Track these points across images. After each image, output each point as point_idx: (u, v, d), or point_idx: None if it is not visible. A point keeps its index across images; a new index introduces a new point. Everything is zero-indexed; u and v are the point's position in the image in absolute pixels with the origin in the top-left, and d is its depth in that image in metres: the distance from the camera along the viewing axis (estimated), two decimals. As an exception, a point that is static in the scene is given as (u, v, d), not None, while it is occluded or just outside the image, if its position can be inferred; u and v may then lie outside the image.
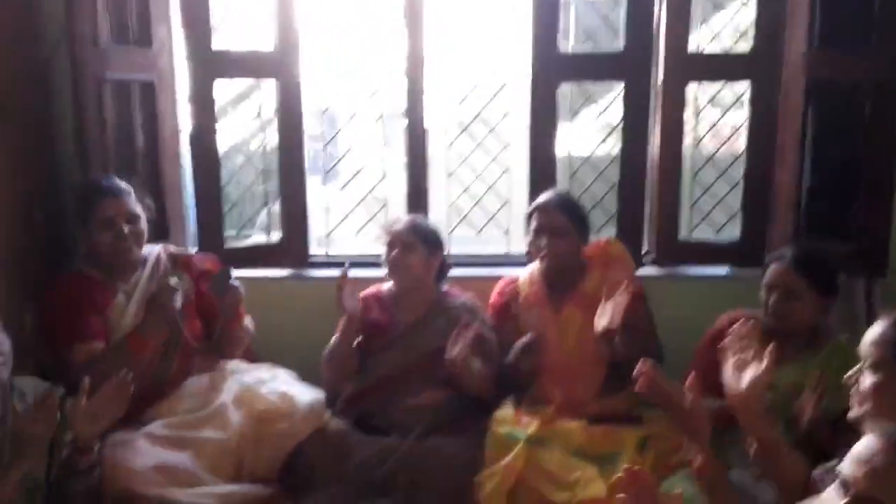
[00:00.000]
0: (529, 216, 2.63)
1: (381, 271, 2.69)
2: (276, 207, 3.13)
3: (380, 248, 2.70)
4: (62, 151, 2.73)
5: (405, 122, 3.00)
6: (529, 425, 2.39)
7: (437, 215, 3.16)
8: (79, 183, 2.58)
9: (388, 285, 2.72)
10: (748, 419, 1.73)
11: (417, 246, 2.62)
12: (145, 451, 2.17)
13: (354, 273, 2.94)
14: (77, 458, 1.94)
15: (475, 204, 3.22)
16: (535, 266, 2.69)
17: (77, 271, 2.44)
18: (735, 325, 1.91)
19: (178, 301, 2.30)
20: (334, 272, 3.03)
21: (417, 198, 3.09)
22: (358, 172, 3.20)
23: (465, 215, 3.22)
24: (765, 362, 1.74)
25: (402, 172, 3.06)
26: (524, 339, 2.48)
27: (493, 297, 2.73)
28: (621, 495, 1.54)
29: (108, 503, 2.07)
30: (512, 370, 2.54)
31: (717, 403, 2.06)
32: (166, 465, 2.17)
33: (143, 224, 2.43)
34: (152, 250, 2.51)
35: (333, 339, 2.60)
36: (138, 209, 2.41)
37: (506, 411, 2.49)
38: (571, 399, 2.52)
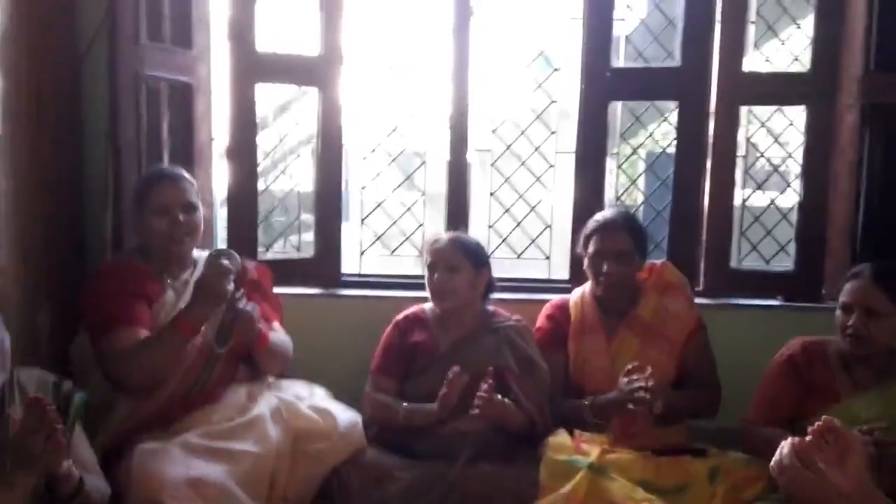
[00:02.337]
0: (588, 237, 2.49)
1: (421, 293, 2.53)
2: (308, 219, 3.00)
3: (419, 270, 2.54)
4: (91, 150, 2.61)
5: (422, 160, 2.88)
6: (590, 453, 2.22)
7: (476, 235, 3.04)
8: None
9: (429, 305, 2.56)
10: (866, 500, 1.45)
11: (463, 265, 2.46)
12: (179, 462, 1.97)
13: (387, 294, 2.83)
14: (56, 485, 1.70)
15: (516, 226, 3.08)
16: (585, 289, 2.56)
17: (124, 260, 2.30)
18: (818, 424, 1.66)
19: (230, 285, 2.09)
20: (367, 292, 2.93)
21: (457, 218, 2.97)
22: (376, 207, 3.06)
23: (506, 238, 3.08)
24: (858, 447, 1.52)
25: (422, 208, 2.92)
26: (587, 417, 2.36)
27: (541, 321, 2.59)
28: None
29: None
30: (572, 414, 2.40)
31: None
32: (199, 479, 1.97)
33: (200, 217, 2.28)
34: (203, 254, 2.34)
35: (403, 408, 2.37)
36: (196, 200, 2.28)
37: (561, 438, 2.31)
38: (626, 428, 2.37)
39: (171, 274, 2.26)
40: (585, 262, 2.50)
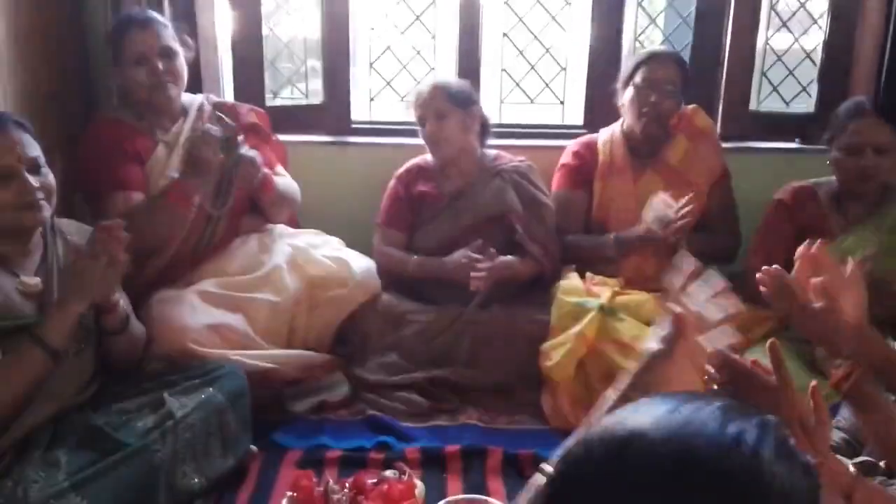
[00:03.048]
0: (636, 67, 2.40)
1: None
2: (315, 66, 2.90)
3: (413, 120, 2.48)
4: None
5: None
6: (600, 294, 2.26)
7: (488, 79, 2.95)
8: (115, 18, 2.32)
9: (429, 156, 2.52)
10: (860, 343, 1.37)
11: (450, 110, 2.40)
12: (197, 309, 2.03)
13: (398, 140, 2.78)
14: (102, 320, 1.77)
15: (531, 69, 2.97)
16: (614, 129, 2.51)
17: (112, 117, 2.22)
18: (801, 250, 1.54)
19: (218, 154, 2.03)
20: (377, 139, 2.88)
21: (468, 61, 2.86)
22: (385, 51, 2.93)
23: (519, 82, 2.98)
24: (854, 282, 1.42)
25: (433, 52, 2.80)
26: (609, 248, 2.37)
27: (567, 157, 2.56)
28: None
29: (156, 358, 1.95)
30: (588, 252, 2.43)
31: None
32: (219, 324, 2.04)
33: (181, 62, 2.17)
34: (194, 99, 2.28)
35: (413, 260, 2.41)
36: (175, 44, 2.15)
37: (573, 281, 2.36)
38: (642, 271, 2.40)
39: (160, 126, 2.19)
40: (628, 93, 2.42)
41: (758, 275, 1.50)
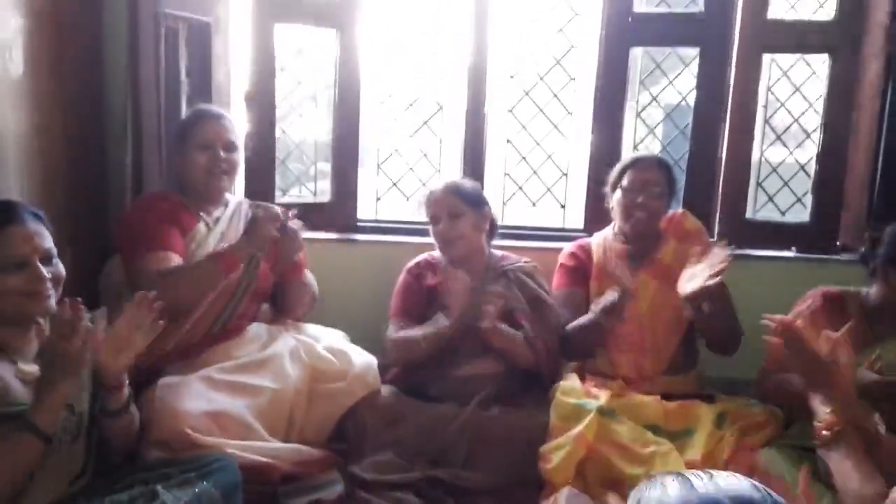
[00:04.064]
0: (623, 171, 2.49)
1: (431, 240, 2.54)
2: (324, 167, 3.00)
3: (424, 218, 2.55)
4: (111, 90, 2.59)
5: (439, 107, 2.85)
6: (599, 396, 2.26)
7: (491, 183, 3.04)
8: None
9: (438, 252, 2.57)
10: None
11: (464, 210, 2.46)
12: (199, 395, 2.03)
13: (403, 239, 2.85)
14: (106, 397, 1.76)
15: (533, 173, 3.08)
16: (606, 232, 2.57)
17: (161, 192, 2.38)
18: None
19: (276, 231, 2.18)
20: (383, 237, 2.95)
21: (473, 165, 2.96)
22: (392, 154, 3.06)
23: (521, 186, 3.08)
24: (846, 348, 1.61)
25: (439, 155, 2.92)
26: (611, 295, 2.32)
27: (564, 258, 2.60)
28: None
29: (152, 445, 1.93)
30: (584, 331, 2.39)
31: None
32: (220, 412, 2.03)
33: (239, 157, 2.35)
34: (234, 197, 2.44)
35: (419, 334, 2.38)
36: (237, 140, 2.34)
37: (572, 382, 2.36)
38: (640, 372, 2.41)
39: (204, 210, 2.31)
40: (616, 196, 2.50)
41: (769, 322, 1.68)
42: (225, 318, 2.26)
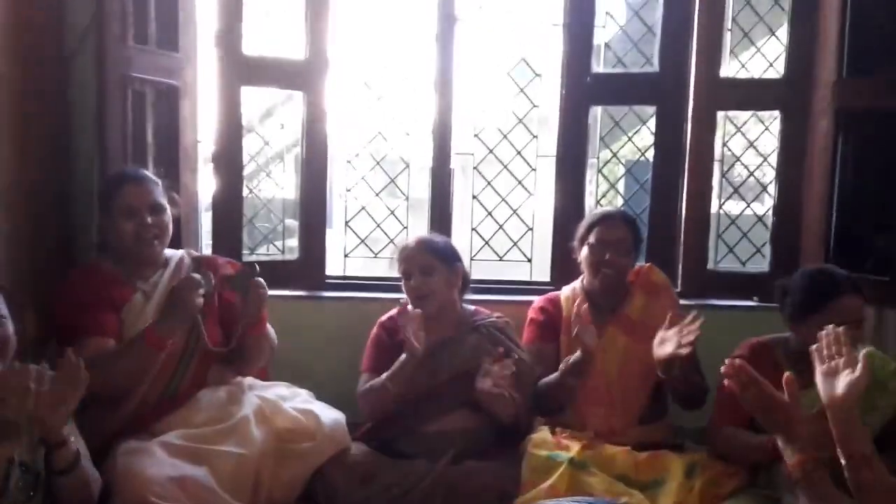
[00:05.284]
0: (590, 228, 2.53)
1: (401, 296, 2.55)
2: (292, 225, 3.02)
3: (396, 274, 2.56)
4: (77, 153, 2.60)
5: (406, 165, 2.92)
6: (570, 448, 2.26)
7: (459, 239, 3.08)
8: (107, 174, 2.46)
9: (409, 306, 2.59)
10: (846, 427, 1.59)
11: (436, 266, 2.47)
12: (161, 461, 1.97)
13: (371, 295, 2.86)
14: (52, 455, 1.72)
15: (499, 229, 3.13)
16: (575, 286, 2.60)
17: (92, 265, 2.29)
18: (826, 332, 1.77)
19: (200, 299, 2.12)
20: (351, 294, 2.95)
21: (440, 222, 3.01)
22: (360, 211, 3.10)
23: (488, 240, 3.12)
24: (860, 368, 1.62)
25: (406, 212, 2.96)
26: (575, 356, 2.33)
27: (534, 313, 2.62)
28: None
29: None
30: (553, 389, 2.41)
31: (760, 437, 2.01)
32: (183, 477, 1.97)
33: (168, 218, 2.27)
34: (175, 253, 2.36)
35: (383, 378, 2.37)
36: (163, 201, 2.27)
37: (543, 434, 2.36)
38: (609, 425, 2.42)
39: (140, 276, 2.25)
40: (584, 252, 2.52)
41: (723, 369, 1.68)
42: (174, 388, 2.21)
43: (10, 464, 1.64)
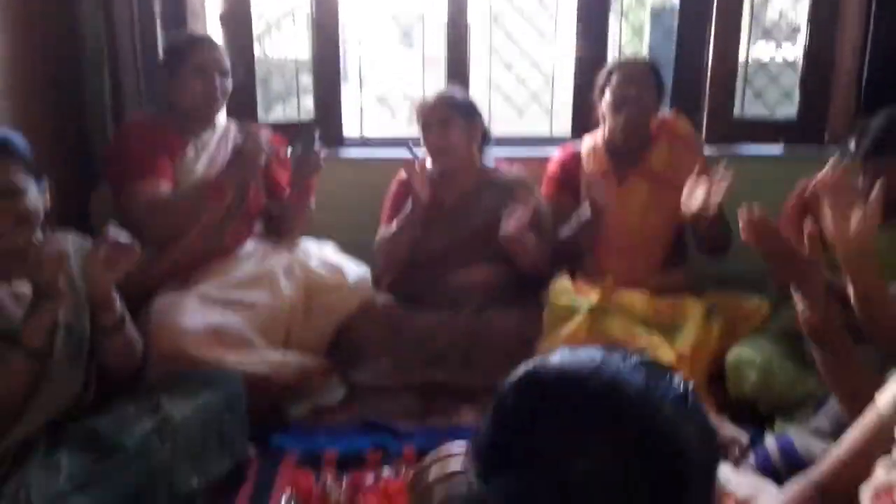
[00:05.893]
0: (611, 72, 2.43)
1: (422, 154, 2.52)
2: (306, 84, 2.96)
3: (415, 131, 2.52)
4: (84, 13, 2.52)
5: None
6: (590, 295, 2.30)
7: (476, 93, 3.01)
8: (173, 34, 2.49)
9: (429, 163, 2.57)
10: (859, 262, 1.56)
11: (455, 120, 2.44)
12: (196, 312, 2.05)
13: (390, 154, 2.83)
14: (98, 316, 1.77)
15: (519, 82, 3.04)
16: (596, 137, 2.54)
17: (148, 115, 2.37)
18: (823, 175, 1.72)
19: (264, 157, 2.19)
20: (368, 152, 2.93)
21: (457, 78, 2.92)
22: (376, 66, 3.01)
23: (508, 95, 3.05)
24: (872, 202, 1.58)
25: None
26: (585, 214, 2.33)
27: (553, 167, 2.58)
28: None
29: (155, 364, 1.95)
30: (569, 243, 2.42)
31: None
32: (218, 326, 2.06)
33: (230, 84, 2.30)
34: (221, 119, 2.40)
35: (394, 226, 2.43)
36: (229, 67, 2.30)
37: (563, 283, 2.39)
38: (630, 273, 2.43)
39: (194, 132, 2.29)
40: (605, 98, 2.43)
41: (741, 222, 1.59)
42: (216, 240, 2.26)
43: (56, 326, 1.68)
